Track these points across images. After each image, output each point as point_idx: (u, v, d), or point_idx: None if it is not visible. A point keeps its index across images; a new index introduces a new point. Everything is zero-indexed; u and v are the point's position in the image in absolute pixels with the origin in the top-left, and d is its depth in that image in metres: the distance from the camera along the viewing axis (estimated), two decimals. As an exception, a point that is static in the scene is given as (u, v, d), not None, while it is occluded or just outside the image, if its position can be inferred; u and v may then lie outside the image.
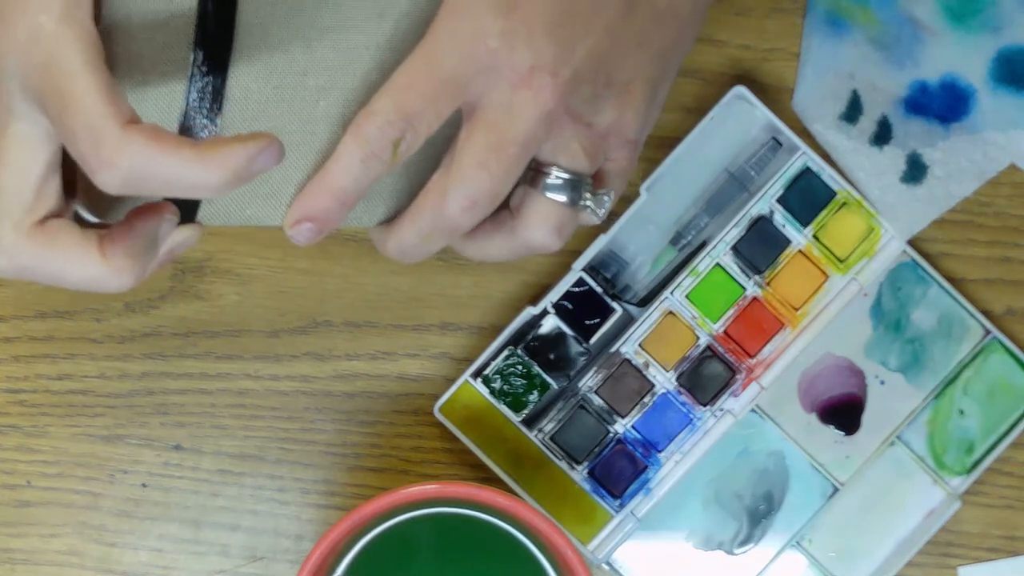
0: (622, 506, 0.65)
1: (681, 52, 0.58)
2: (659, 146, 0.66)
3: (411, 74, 0.53)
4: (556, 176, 0.56)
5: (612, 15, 0.55)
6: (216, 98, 0.54)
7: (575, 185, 0.56)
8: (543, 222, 0.56)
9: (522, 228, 0.57)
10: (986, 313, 0.67)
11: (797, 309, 0.66)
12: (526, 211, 0.56)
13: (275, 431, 0.66)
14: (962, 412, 0.66)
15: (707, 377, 0.65)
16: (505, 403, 0.65)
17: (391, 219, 0.58)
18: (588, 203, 0.57)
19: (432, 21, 0.53)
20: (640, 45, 0.56)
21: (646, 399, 0.65)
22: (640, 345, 0.65)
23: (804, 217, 0.65)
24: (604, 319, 0.65)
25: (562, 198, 0.56)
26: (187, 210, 0.55)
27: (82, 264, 0.52)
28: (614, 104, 0.56)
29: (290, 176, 0.56)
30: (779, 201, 0.65)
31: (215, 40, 0.54)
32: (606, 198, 0.57)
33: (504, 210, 0.57)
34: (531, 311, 0.65)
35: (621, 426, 0.65)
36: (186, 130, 0.54)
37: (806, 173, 0.65)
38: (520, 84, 0.53)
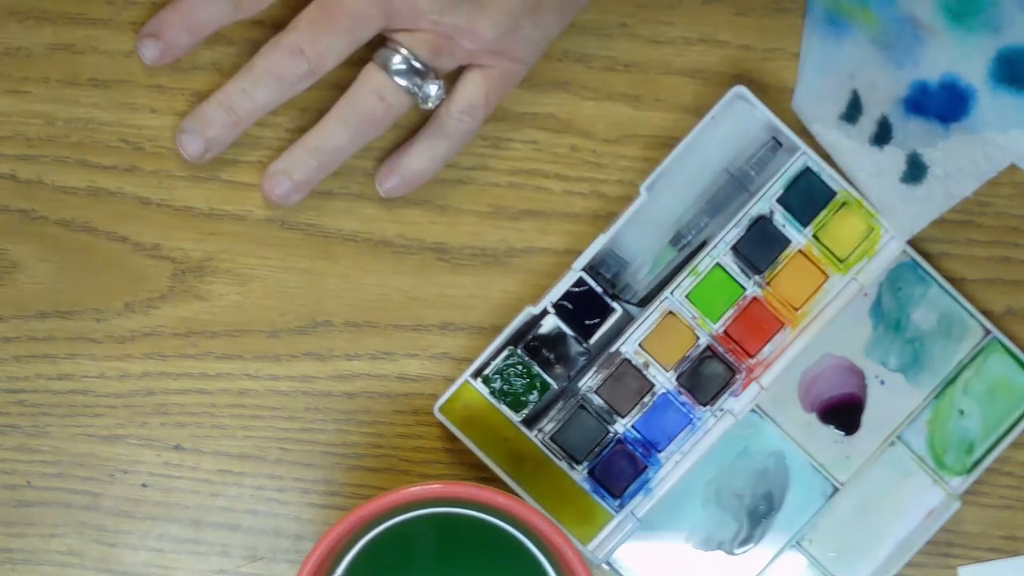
0: (622, 506, 0.65)
1: None
2: (659, 146, 0.66)
3: None
4: (392, 51, 0.62)
5: None
6: None
7: (409, 66, 0.62)
8: (367, 86, 0.63)
9: (351, 89, 0.63)
10: (986, 313, 0.67)
11: (797, 309, 0.66)
12: (359, 78, 0.63)
13: (275, 431, 0.66)
14: (962, 412, 0.66)
15: (707, 377, 0.65)
16: (505, 403, 0.65)
17: None
18: (415, 88, 0.62)
19: None
20: None
21: (646, 399, 0.65)
22: (640, 345, 0.65)
23: (804, 217, 0.65)
24: (604, 319, 0.65)
25: (392, 70, 0.62)
26: None
27: None
28: (467, 11, 0.62)
29: None
30: (779, 201, 0.65)
31: None
32: (433, 87, 0.63)
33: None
34: (531, 311, 0.65)
35: (621, 426, 0.65)
36: None
37: (806, 173, 0.65)
38: None
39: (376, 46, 0.63)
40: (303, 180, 0.64)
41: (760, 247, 0.65)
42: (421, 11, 0.62)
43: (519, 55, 0.64)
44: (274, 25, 0.64)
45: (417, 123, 0.66)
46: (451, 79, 0.64)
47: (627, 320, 0.65)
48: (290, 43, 0.62)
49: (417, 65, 0.62)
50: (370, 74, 0.63)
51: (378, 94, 0.63)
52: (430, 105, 0.63)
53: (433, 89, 0.63)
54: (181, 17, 0.63)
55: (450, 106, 0.64)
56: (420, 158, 0.64)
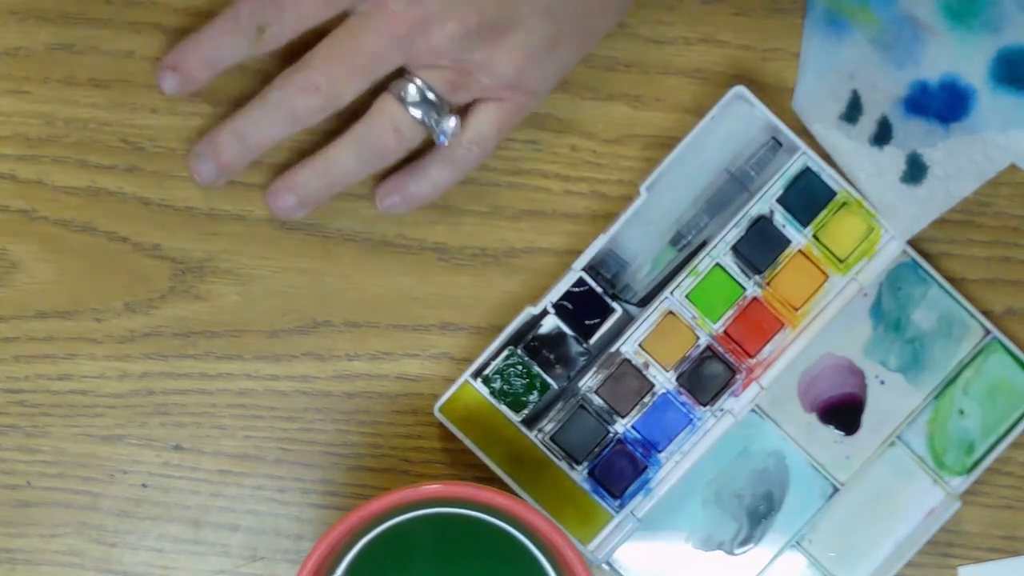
0: (622, 506, 0.65)
1: (589, 18, 0.63)
2: (659, 146, 0.66)
3: None
4: (408, 84, 0.62)
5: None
6: None
7: (425, 99, 0.61)
8: (383, 117, 0.62)
9: (365, 117, 0.62)
10: (986, 313, 0.67)
11: (797, 309, 0.66)
12: (373, 107, 0.62)
13: (275, 431, 0.66)
14: (962, 412, 0.66)
15: (707, 377, 0.65)
16: (505, 403, 0.65)
17: None
18: (431, 122, 0.62)
19: None
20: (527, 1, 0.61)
21: (646, 399, 0.65)
22: (640, 345, 0.65)
23: (804, 217, 0.65)
24: (604, 319, 0.65)
25: (408, 102, 0.61)
26: None
27: None
28: (487, 47, 0.61)
29: None
30: (779, 201, 0.65)
31: None
32: (451, 122, 0.62)
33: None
34: (531, 311, 0.65)
35: (621, 426, 0.65)
36: None
37: (806, 173, 0.65)
38: (378, 4, 0.60)
39: (393, 75, 0.62)
40: (308, 198, 0.63)
41: (760, 247, 0.65)
42: (440, 50, 0.61)
43: (534, 88, 0.63)
44: (289, 55, 0.63)
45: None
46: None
47: (627, 320, 0.65)
48: (305, 80, 0.61)
49: (433, 99, 0.62)
50: (385, 104, 0.62)
51: (393, 126, 0.62)
52: (445, 140, 0.63)
53: (450, 125, 0.62)
54: (200, 51, 0.62)
55: (461, 136, 0.63)
56: (424, 182, 0.64)
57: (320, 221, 0.66)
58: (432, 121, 0.62)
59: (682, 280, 0.65)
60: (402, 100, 0.62)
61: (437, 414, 0.65)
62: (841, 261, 0.66)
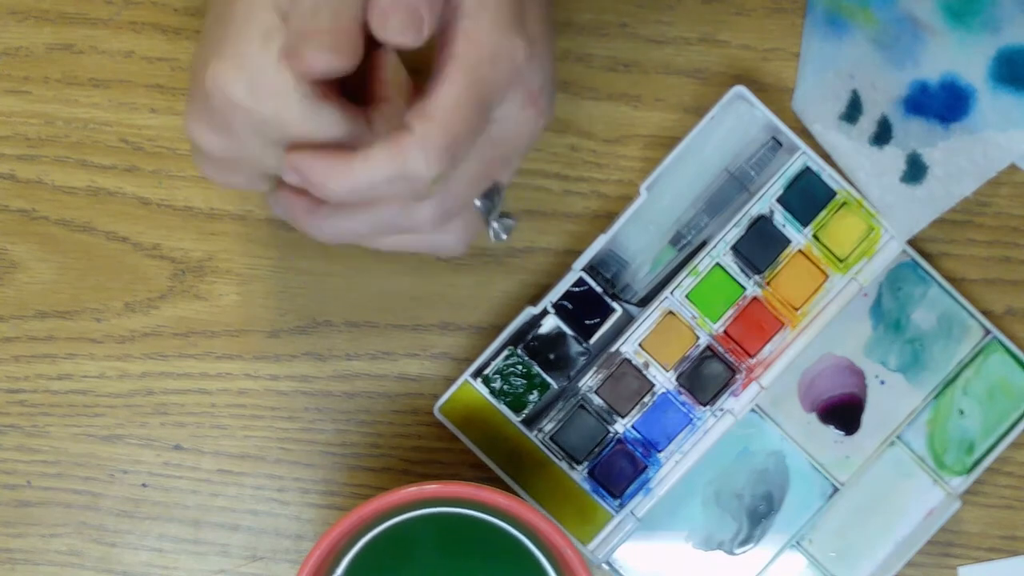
0: (622, 506, 0.65)
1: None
2: (659, 146, 0.66)
3: (456, 98, 0.50)
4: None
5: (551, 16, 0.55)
6: None
7: (490, 194, 0.55)
8: (463, 228, 0.55)
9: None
10: (986, 313, 0.67)
11: (797, 309, 0.66)
12: None
13: (275, 431, 0.66)
14: (962, 412, 0.66)
15: (707, 377, 0.65)
16: (505, 403, 0.65)
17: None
18: (495, 224, 0.56)
19: (448, 40, 0.51)
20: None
21: (646, 399, 0.65)
22: (640, 345, 0.65)
23: (804, 217, 0.65)
24: (604, 319, 0.65)
25: (479, 204, 0.55)
26: None
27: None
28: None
29: None
30: (779, 201, 0.65)
31: None
32: (511, 221, 0.56)
33: None
34: (531, 311, 0.65)
35: (621, 426, 0.65)
36: None
37: (806, 173, 0.65)
38: (529, 103, 0.53)
39: None
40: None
41: (760, 247, 0.65)
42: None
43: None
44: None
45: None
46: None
47: (627, 320, 0.65)
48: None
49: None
50: None
51: None
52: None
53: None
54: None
55: None
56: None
57: (320, 221, 0.66)
58: (491, 217, 0.56)
59: (682, 280, 0.65)
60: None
61: (437, 414, 0.65)
62: (841, 261, 0.66)
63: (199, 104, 0.52)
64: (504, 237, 0.56)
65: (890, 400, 0.66)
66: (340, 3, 0.49)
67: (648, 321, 0.65)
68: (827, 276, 0.66)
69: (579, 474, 0.65)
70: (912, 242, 0.67)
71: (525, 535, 0.60)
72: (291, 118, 0.50)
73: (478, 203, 0.55)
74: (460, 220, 0.55)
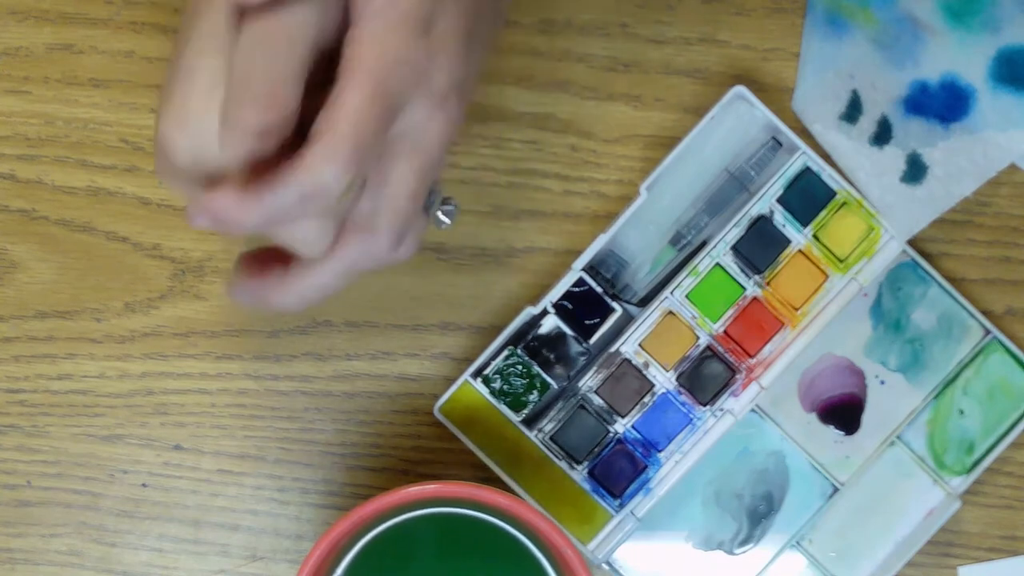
0: (622, 506, 0.65)
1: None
2: (659, 146, 0.66)
3: (357, 105, 0.50)
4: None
5: (489, 22, 0.55)
6: None
7: (430, 191, 0.55)
8: (413, 236, 0.55)
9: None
10: (986, 313, 0.67)
11: (797, 309, 0.66)
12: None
13: (275, 431, 0.66)
14: (962, 412, 0.66)
15: (707, 377, 0.65)
16: (505, 403, 0.65)
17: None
18: (437, 214, 0.56)
19: (351, 41, 0.51)
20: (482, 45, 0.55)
21: (646, 399, 0.65)
22: (640, 345, 0.65)
23: (804, 217, 0.65)
24: (604, 319, 0.65)
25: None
26: None
27: None
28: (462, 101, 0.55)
29: None
30: (779, 201, 0.65)
31: None
32: (451, 207, 0.56)
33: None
34: (531, 311, 0.65)
35: (621, 426, 0.65)
36: None
37: (806, 173, 0.65)
38: (436, 106, 0.52)
39: None
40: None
41: (760, 247, 0.65)
42: None
43: None
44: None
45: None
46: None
47: (627, 320, 0.65)
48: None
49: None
50: None
51: None
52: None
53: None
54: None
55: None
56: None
57: (320, 221, 0.66)
58: (434, 209, 0.56)
59: (682, 280, 0.65)
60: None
61: (437, 414, 0.65)
62: (841, 261, 0.66)
63: (155, 141, 0.52)
64: (448, 222, 0.56)
65: (890, 400, 0.66)
66: (270, 67, 0.50)
67: (648, 321, 0.65)
68: (827, 276, 0.66)
69: (579, 474, 0.65)
70: (912, 242, 0.67)
71: (525, 535, 0.60)
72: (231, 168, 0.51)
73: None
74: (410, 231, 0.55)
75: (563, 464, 0.65)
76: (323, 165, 0.50)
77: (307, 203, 0.50)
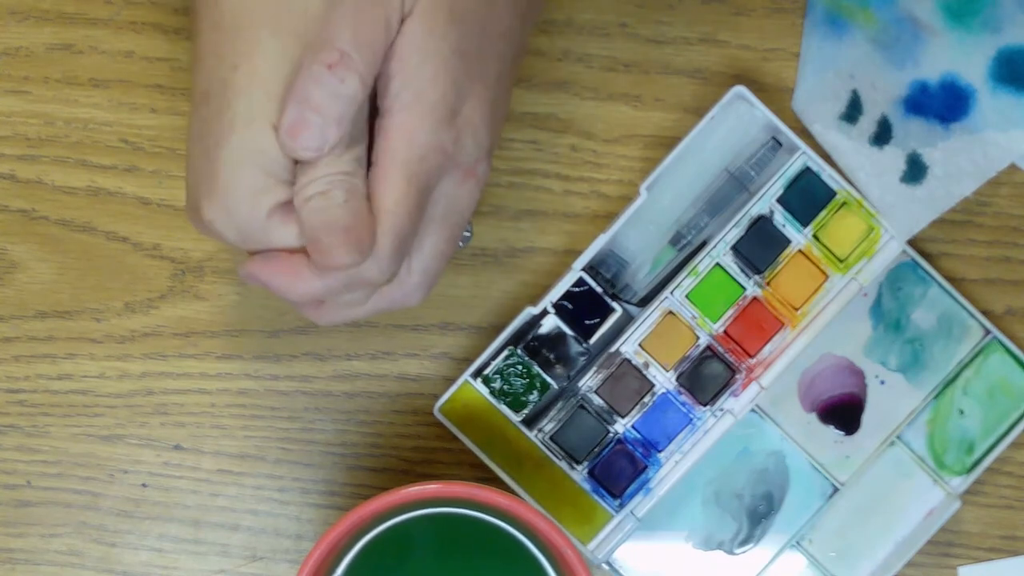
0: (622, 506, 0.65)
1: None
2: (659, 146, 0.66)
3: (395, 199, 0.53)
4: None
5: (509, 82, 0.57)
6: None
7: None
8: (433, 281, 0.58)
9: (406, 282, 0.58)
10: (986, 313, 0.67)
11: (797, 309, 0.66)
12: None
13: (275, 431, 0.66)
14: (962, 412, 0.66)
15: (707, 377, 0.65)
16: (505, 403, 0.65)
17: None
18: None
19: (384, 130, 0.53)
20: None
21: (646, 399, 0.65)
22: (640, 345, 0.65)
23: (804, 217, 0.65)
24: (604, 319, 0.65)
25: None
26: None
27: None
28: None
29: None
30: (779, 201, 0.65)
31: None
32: (467, 233, 0.59)
33: None
34: (531, 311, 0.65)
35: (621, 426, 0.65)
36: None
37: (806, 173, 0.65)
38: (466, 177, 0.55)
39: None
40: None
41: (760, 247, 0.65)
42: None
43: None
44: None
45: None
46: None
47: (627, 320, 0.65)
48: None
49: None
50: None
51: None
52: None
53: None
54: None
55: None
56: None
57: (320, 221, 0.66)
58: None
59: (682, 280, 0.65)
60: None
61: (437, 414, 0.65)
62: (841, 261, 0.66)
63: (192, 207, 0.55)
64: (461, 246, 0.62)
65: (890, 400, 0.66)
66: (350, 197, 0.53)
67: (648, 321, 0.65)
68: (827, 276, 0.66)
69: (579, 474, 0.65)
70: (912, 242, 0.67)
71: (525, 535, 0.60)
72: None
73: None
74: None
75: (563, 464, 0.65)
76: (369, 263, 0.54)
77: (353, 288, 0.55)
